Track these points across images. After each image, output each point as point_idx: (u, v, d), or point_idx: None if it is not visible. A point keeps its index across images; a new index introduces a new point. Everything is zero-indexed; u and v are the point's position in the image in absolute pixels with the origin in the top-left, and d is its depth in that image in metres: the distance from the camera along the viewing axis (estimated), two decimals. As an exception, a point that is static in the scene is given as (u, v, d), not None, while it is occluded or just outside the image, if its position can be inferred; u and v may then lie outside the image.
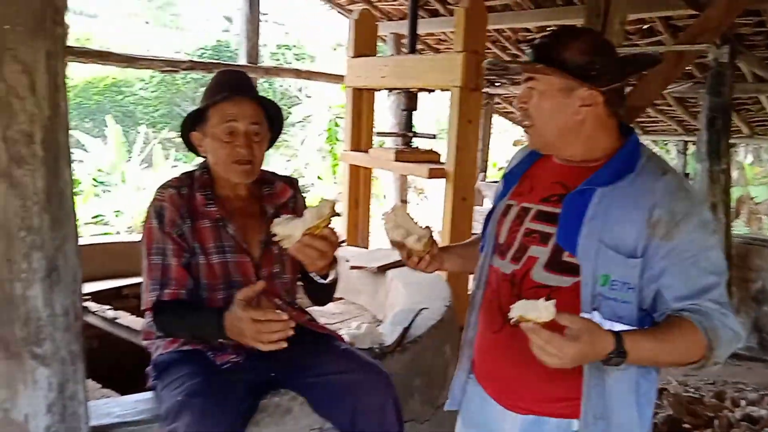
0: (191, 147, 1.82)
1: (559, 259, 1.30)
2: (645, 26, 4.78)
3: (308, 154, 11.60)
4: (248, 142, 1.69)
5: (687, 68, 5.02)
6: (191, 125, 1.78)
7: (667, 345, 1.19)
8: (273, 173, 1.91)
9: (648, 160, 1.31)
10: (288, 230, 1.41)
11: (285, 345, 1.46)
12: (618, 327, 1.23)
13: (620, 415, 1.29)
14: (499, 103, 7.58)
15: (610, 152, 1.33)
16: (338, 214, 1.48)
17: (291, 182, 1.89)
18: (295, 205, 1.87)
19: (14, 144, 1.11)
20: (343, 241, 3.89)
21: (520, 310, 1.15)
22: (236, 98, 1.70)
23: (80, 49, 4.30)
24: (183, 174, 1.80)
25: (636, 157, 1.31)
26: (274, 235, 1.42)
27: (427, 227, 1.47)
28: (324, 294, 1.76)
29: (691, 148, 8.08)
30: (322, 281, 1.65)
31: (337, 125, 10.99)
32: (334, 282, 1.69)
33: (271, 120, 1.82)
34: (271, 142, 1.88)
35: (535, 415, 1.34)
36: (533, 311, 1.13)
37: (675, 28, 4.72)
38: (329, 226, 1.45)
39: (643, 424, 1.32)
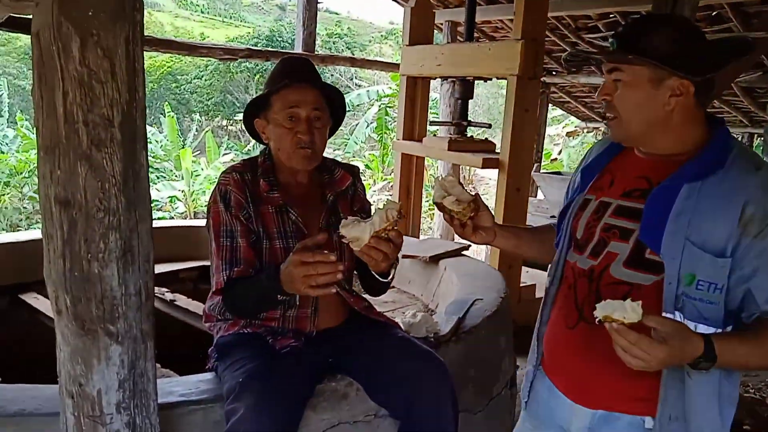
0: (254, 134, 1.84)
1: (641, 256, 1.25)
2: (713, 13, 4.59)
3: (358, 143, 11.65)
4: (310, 128, 1.70)
5: (761, 57, 4.80)
6: (255, 112, 1.80)
7: (758, 350, 1.15)
8: (334, 160, 1.91)
9: (739, 155, 1.24)
10: (356, 233, 1.41)
11: (334, 290, 1.47)
12: (702, 328, 1.19)
13: (702, 417, 1.25)
14: (555, 93, 7.43)
15: (698, 145, 1.28)
16: (404, 216, 1.48)
17: (351, 170, 1.90)
18: (355, 193, 1.87)
19: (95, 127, 1.15)
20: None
21: (605, 309, 1.11)
22: (298, 85, 1.72)
23: (144, 38, 4.41)
24: (246, 160, 1.82)
25: (726, 151, 1.24)
26: (343, 236, 1.43)
27: (476, 194, 1.47)
28: (380, 287, 1.76)
29: (757, 141, 7.75)
30: (382, 279, 1.65)
31: (387, 114, 10.99)
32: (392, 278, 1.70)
33: (333, 106, 1.82)
34: (333, 129, 1.89)
35: (606, 411, 1.31)
36: (619, 311, 1.10)
37: (745, 15, 4.51)
38: (395, 228, 1.45)
39: (724, 425, 1.28)
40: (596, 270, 1.33)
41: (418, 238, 4.68)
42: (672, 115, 1.26)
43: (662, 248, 1.21)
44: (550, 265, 1.50)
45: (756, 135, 7.20)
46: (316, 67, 1.86)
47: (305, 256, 1.43)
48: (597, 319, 1.13)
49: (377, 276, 1.64)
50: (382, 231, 1.42)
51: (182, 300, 3.16)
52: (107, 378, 1.26)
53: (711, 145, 1.26)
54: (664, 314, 1.21)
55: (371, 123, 11.50)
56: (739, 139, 7.63)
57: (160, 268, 3.64)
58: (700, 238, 1.19)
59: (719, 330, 1.21)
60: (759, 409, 3.41)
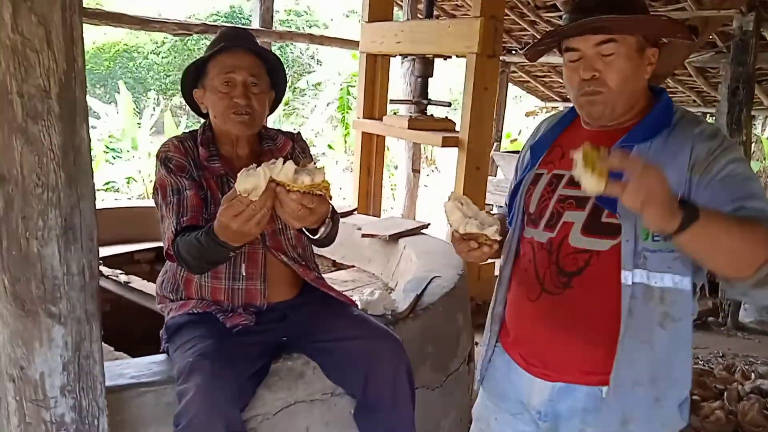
0: (193, 106, 1.81)
1: (597, 222, 1.27)
2: (669, -7, 4.65)
3: (319, 122, 11.52)
4: (246, 92, 1.67)
5: (710, 37, 4.89)
6: (193, 83, 1.76)
7: (735, 225, 1.09)
8: (277, 130, 1.88)
9: (682, 115, 1.28)
10: (251, 181, 1.23)
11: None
12: (668, 278, 1.22)
13: (676, 371, 1.27)
14: (514, 72, 7.46)
15: (643, 111, 1.30)
16: (313, 159, 1.26)
17: (292, 136, 1.87)
18: (293, 155, 1.80)
19: (30, 99, 1.09)
20: (354, 209, 3.87)
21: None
22: (234, 50, 1.69)
23: (93, 11, 4.26)
24: (186, 132, 1.79)
25: (671, 113, 1.28)
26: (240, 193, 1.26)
27: (491, 212, 1.37)
28: (322, 242, 1.65)
29: (710, 120, 7.94)
30: (312, 237, 1.56)
31: (349, 93, 10.88)
32: (331, 230, 1.58)
33: (273, 77, 1.79)
34: (277, 102, 1.86)
35: (566, 383, 1.33)
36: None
37: (699, -5, 4.60)
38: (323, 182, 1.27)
39: (687, 385, 1.32)
40: (554, 242, 1.33)
41: (379, 216, 4.67)
42: (645, 83, 1.28)
43: (618, 207, 1.22)
44: (504, 245, 1.49)
45: (708, 114, 7.37)
46: (275, 44, 1.82)
47: (234, 209, 1.28)
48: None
49: (306, 233, 1.55)
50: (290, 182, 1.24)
51: (137, 282, 3.10)
52: (50, 361, 1.22)
53: (656, 109, 1.29)
54: (623, 272, 1.23)
55: (332, 102, 11.38)
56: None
57: (114, 250, 3.58)
58: None
59: (687, 279, 1.23)
60: (707, 380, 3.52)
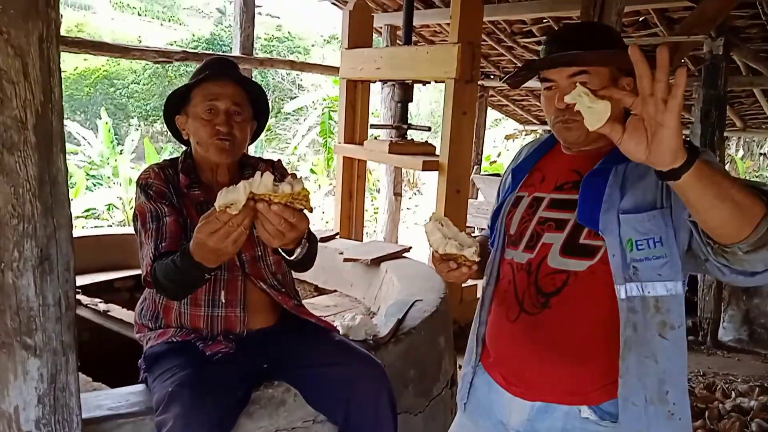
0: (175, 132, 1.82)
1: (575, 243, 1.29)
2: (640, 18, 4.77)
3: (301, 147, 11.56)
4: (228, 120, 1.69)
5: (681, 61, 5.02)
6: (176, 109, 1.78)
7: (732, 180, 1.04)
8: (257, 158, 1.90)
9: None
10: (230, 197, 1.21)
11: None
12: (660, 286, 1.21)
13: (680, 381, 1.26)
14: (493, 96, 7.56)
15: None
16: (293, 176, 1.22)
17: (272, 163, 1.88)
18: None
19: (6, 130, 1.10)
20: (336, 234, 3.87)
21: (572, 97, 1.07)
22: (218, 79, 1.71)
23: (73, 39, 4.25)
24: (166, 160, 1.80)
25: None
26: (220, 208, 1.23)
27: (470, 234, 1.39)
28: (300, 264, 1.64)
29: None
30: (289, 257, 1.53)
31: (330, 118, 10.96)
32: (308, 251, 1.56)
33: (256, 107, 1.81)
34: (258, 130, 1.88)
35: (544, 402, 1.33)
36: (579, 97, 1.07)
37: (670, 20, 4.72)
38: (303, 196, 1.25)
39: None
40: (534, 262, 1.35)
41: (361, 240, 4.68)
42: (620, 109, 1.30)
43: (600, 225, 1.24)
44: (486, 266, 1.51)
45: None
46: (255, 70, 1.84)
47: (211, 226, 1.25)
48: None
49: (283, 253, 1.54)
50: (274, 196, 1.22)
51: (116, 310, 3.06)
52: (25, 393, 1.20)
53: None
54: (616, 287, 1.23)
55: (314, 127, 11.44)
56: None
57: (93, 278, 3.54)
58: (631, 205, 1.23)
59: (679, 284, 1.22)
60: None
